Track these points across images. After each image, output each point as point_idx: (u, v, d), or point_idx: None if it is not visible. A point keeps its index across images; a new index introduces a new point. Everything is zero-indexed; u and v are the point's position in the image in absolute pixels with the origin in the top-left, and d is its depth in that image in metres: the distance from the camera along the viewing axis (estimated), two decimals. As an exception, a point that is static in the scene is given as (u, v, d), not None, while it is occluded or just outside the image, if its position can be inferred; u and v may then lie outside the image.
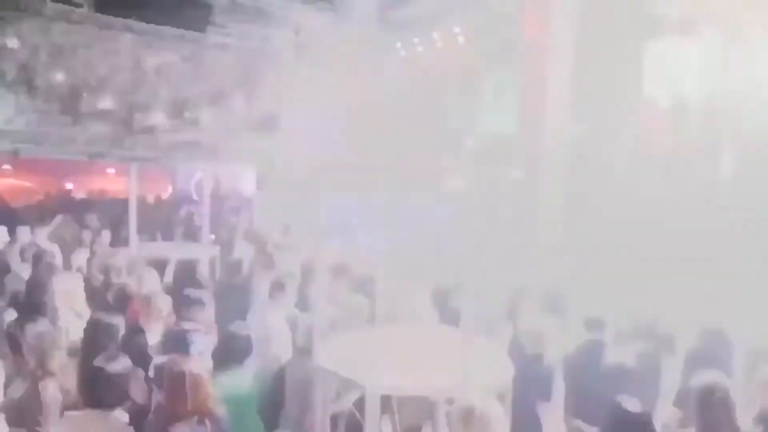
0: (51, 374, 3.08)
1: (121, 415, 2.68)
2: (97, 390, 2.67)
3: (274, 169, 11.40)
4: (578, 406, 3.77)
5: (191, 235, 7.65)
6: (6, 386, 3.04)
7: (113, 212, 10.23)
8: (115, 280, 4.93)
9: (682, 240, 6.46)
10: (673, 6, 8.94)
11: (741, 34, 8.40)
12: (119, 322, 3.59)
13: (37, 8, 8.61)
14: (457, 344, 2.43)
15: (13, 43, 8.32)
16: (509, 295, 4.76)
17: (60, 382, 3.10)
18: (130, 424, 2.72)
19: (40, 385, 3.00)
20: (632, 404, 2.61)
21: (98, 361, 2.71)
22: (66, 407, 2.94)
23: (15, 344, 3.25)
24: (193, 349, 3.53)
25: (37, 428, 2.89)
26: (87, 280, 4.96)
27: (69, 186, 14.19)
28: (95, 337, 3.40)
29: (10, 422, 2.93)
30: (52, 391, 3.00)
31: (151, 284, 4.73)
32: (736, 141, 7.92)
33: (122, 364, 2.74)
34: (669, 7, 8.81)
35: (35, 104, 8.81)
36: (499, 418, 2.27)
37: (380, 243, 3.76)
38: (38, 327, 3.27)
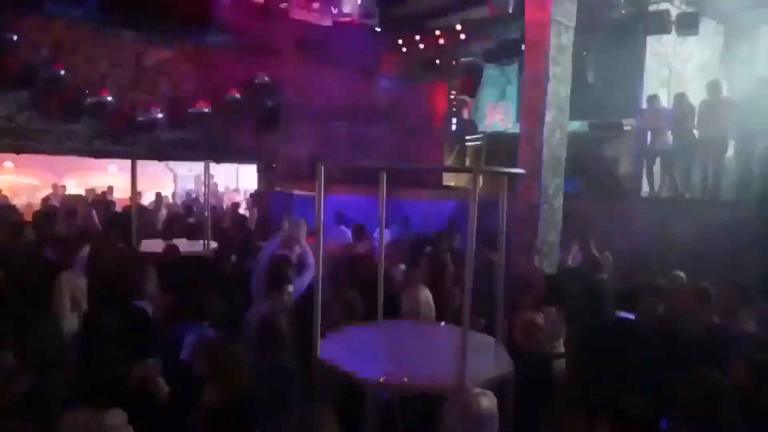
0: (56, 370, 3.10)
1: (121, 413, 2.70)
2: (98, 387, 2.69)
3: (275, 165, 11.44)
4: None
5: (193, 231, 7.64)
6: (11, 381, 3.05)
7: (112, 209, 10.27)
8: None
9: (683, 238, 6.49)
10: (674, 4, 8.93)
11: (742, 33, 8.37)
12: (116, 320, 3.60)
13: (39, 5, 8.64)
14: (457, 341, 2.45)
15: (16, 39, 8.34)
16: (509, 291, 4.77)
17: (64, 378, 3.12)
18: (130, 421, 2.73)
19: (46, 380, 3.02)
20: (635, 402, 2.62)
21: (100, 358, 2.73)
22: (69, 404, 2.95)
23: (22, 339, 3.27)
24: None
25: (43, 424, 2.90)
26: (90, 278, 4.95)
27: (68, 182, 14.17)
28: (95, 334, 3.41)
29: (16, 418, 2.94)
30: (58, 386, 3.01)
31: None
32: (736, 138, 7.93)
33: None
34: (670, 5, 8.81)
35: (37, 101, 8.84)
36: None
37: (382, 238, 3.76)
38: (43, 323, 3.29)
